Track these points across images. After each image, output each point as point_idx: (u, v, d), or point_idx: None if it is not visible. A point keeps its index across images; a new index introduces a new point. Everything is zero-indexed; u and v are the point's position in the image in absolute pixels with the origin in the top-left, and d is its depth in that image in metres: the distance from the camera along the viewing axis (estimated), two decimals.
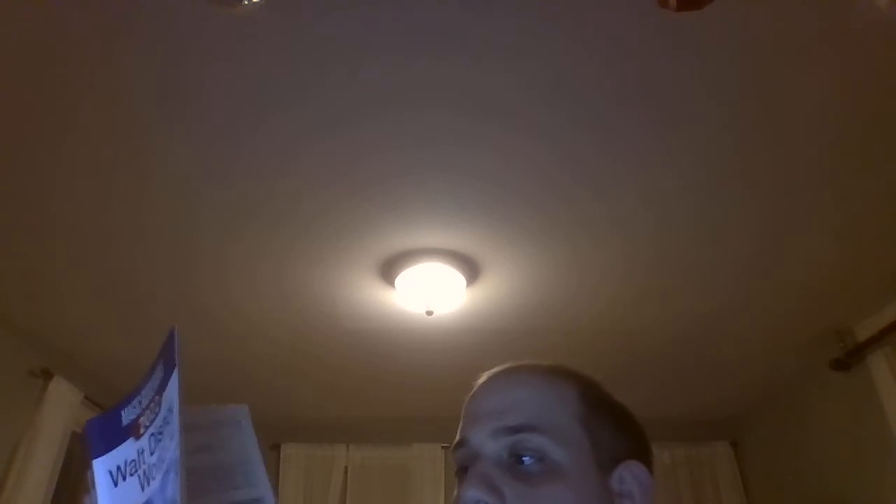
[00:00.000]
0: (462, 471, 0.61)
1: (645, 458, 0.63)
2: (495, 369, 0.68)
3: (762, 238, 2.37)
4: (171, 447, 0.46)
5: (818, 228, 2.31)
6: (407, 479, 3.94)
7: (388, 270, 2.58)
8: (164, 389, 0.50)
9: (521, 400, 0.61)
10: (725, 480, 3.90)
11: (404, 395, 3.72)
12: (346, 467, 3.99)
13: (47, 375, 2.87)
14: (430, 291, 2.57)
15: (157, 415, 0.50)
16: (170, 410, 0.48)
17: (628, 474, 0.59)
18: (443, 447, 3.94)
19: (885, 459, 2.73)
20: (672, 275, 2.61)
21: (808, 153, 1.97)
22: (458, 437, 0.63)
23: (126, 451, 0.51)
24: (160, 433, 0.49)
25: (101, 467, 0.51)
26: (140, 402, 0.52)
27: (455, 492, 0.59)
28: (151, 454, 0.49)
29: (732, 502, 3.83)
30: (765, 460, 3.78)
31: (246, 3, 1.46)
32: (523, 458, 0.57)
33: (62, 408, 2.91)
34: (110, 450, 0.52)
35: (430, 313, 2.63)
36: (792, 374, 3.39)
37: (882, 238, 2.35)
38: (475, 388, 0.67)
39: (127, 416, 0.53)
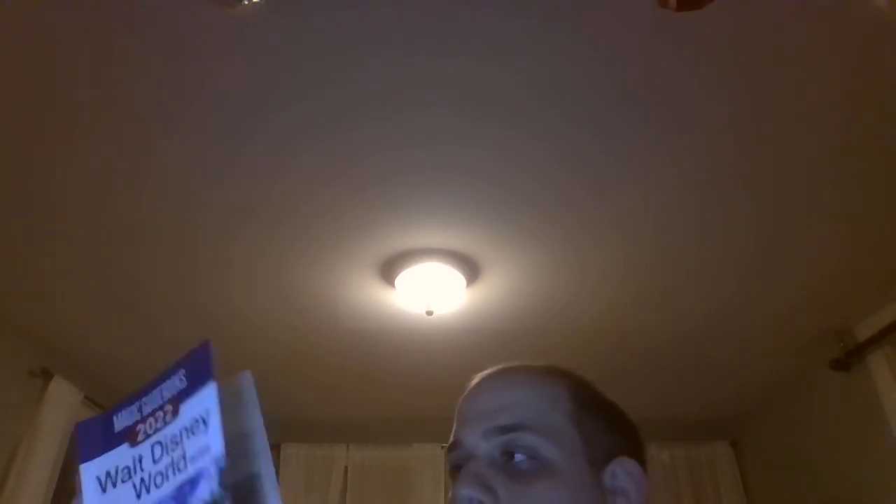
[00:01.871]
0: (456, 471, 0.61)
1: (638, 456, 0.63)
2: (487, 371, 0.68)
3: (762, 238, 2.37)
4: (207, 459, 0.45)
5: (818, 228, 2.31)
6: (407, 479, 3.94)
7: (388, 270, 2.58)
8: (183, 400, 0.49)
9: (513, 400, 0.62)
10: (725, 480, 3.90)
11: (404, 395, 3.72)
12: (346, 467, 3.99)
13: (47, 375, 2.87)
14: (430, 291, 2.57)
15: (168, 425, 0.49)
16: (200, 422, 0.47)
17: (621, 471, 0.60)
18: (443, 447, 3.92)
19: (885, 459, 2.73)
20: (672, 275, 2.61)
21: (808, 153, 1.97)
22: (451, 439, 0.64)
23: (117, 457, 0.50)
24: (175, 444, 0.48)
25: (88, 472, 0.50)
26: (140, 409, 0.51)
27: (450, 492, 0.60)
28: (156, 462, 0.48)
29: (732, 502, 3.82)
30: (765, 460, 3.78)
31: (246, 3, 1.46)
32: (516, 457, 0.58)
33: (62, 408, 2.90)
34: (99, 455, 0.51)
35: (430, 313, 2.63)
36: (792, 374, 3.39)
37: (882, 238, 2.35)
38: (468, 390, 0.68)
39: (120, 422, 0.52)
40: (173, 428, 0.49)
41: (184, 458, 0.47)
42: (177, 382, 0.50)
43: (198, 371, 0.49)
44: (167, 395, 0.50)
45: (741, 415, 3.97)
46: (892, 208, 2.19)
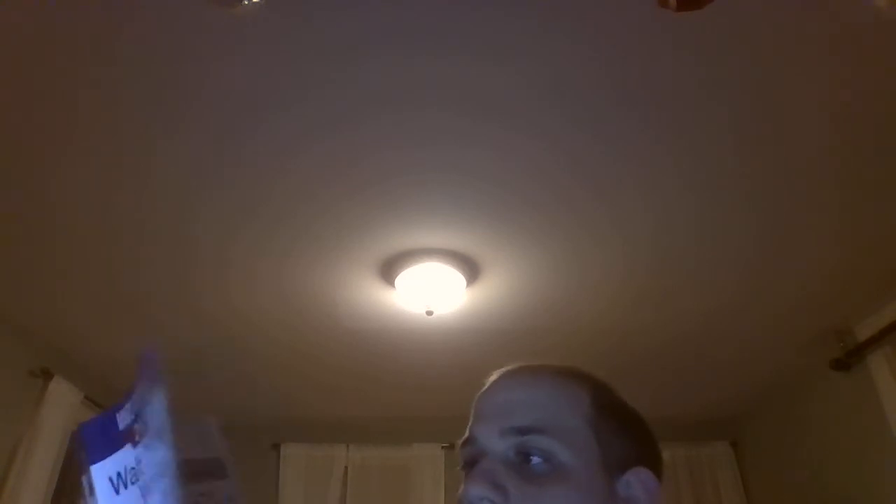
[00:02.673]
0: (468, 467, 0.61)
1: (654, 464, 0.62)
2: (507, 368, 0.67)
3: (762, 238, 2.37)
4: (160, 472, 0.45)
5: (818, 228, 2.31)
6: (407, 479, 3.94)
7: (388, 270, 2.58)
8: (147, 406, 0.48)
9: (531, 400, 0.61)
10: (725, 480, 3.90)
11: (404, 395, 3.72)
12: (346, 467, 3.98)
13: (47, 375, 2.87)
14: (430, 291, 2.57)
15: (147, 427, 0.48)
16: (156, 432, 0.47)
17: (635, 480, 0.59)
18: (443, 447, 3.94)
19: (885, 459, 2.73)
20: (672, 275, 2.61)
21: (808, 153, 1.97)
22: (466, 434, 0.63)
23: (124, 457, 0.49)
24: (151, 449, 0.47)
25: (100, 474, 0.49)
26: (132, 408, 0.50)
27: (460, 488, 0.59)
28: (149, 467, 0.47)
29: (732, 502, 3.82)
30: (765, 460, 3.78)
31: (246, 3, 1.46)
32: (531, 459, 0.57)
33: (62, 408, 2.91)
34: (108, 455, 0.50)
35: (430, 313, 2.63)
36: (792, 374, 3.39)
37: (882, 238, 2.35)
38: (486, 386, 0.67)
39: (123, 421, 0.50)
40: (152, 432, 0.48)
41: (154, 466, 0.47)
42: (144, 390, 0.50)
43: (148, 382, 0.49)
44: (142, 399, 0.50)
45: (741, 415, 3.97)
46: (892, 208, 2.19)
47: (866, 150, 1.95)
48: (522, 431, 0.58)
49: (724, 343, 3.14)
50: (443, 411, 3.46)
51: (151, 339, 2.98)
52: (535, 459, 0.57)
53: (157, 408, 0.47)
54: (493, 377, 0.67)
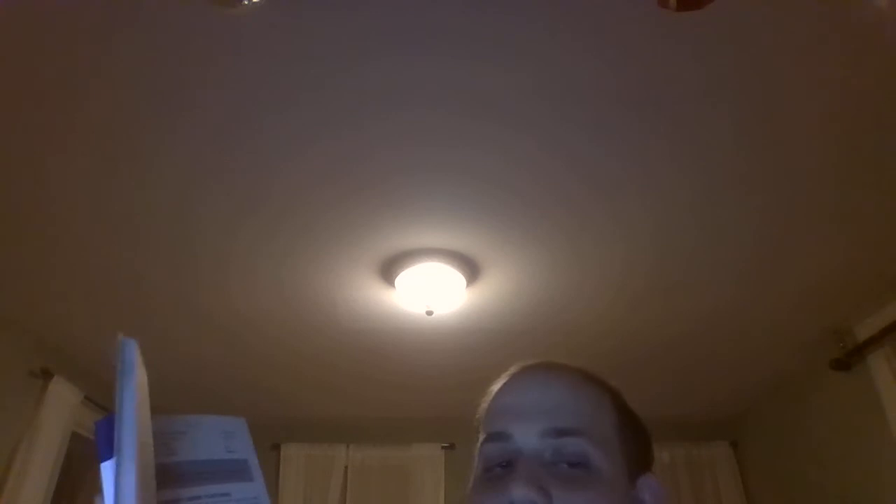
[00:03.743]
0: (504, 465, 0.59)
1: (651, 468, 0.64)
2: (532, 363, 0.67)
3: (762, 238, 2.37)
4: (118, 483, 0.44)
5: (818, 228, 2.31)
6: (407, 479, 3.95)
7: (388, 270, 2.58)
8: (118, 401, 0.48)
9: (567, 401, 0.61)
10: (725, 480, 3.90)
11: (404, 395, 3.72)
12: (346, 467, 3.99)
13: (47, 375, 2.87)
14: (430, 291, 2.57)
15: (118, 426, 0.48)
16: (119, 432, 0.47)
17: (646, 486, 0.60)
18: (443, 447, 3.94)
19: (885, 459, 2.73)
20: (672, 275, 2.61)
21: (809, 153, 1.97)
22: (497, 429, 0.62)
23: None
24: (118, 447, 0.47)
25: (107, 472, 0.49)
26: None
27: (469, 484, 0.60)
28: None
29: (732, 502, 3.83)
30: (765, 460, 3.78)
31: (246, 3, 1.45)
32: (568, 462, 0.57)
33: (62, 408, 2.91)
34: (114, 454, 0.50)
35: (430, 313, 2.63)
36: (792, 374, 3.39)
37: (882, 238, 2.35)
38: (513, 380, 0.66)
39: None
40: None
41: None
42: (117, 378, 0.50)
43: (118, 370, 0.49)
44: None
45: (741, 415, 3.97)
46: (892, 208, 2.19)
47: (866, 150, 1.95)
48: (562, 433, 0.58)
49: (724, 343, 3.14)
50: (443, 411, 3.47)
51: (151, 339, 2.98)
52: (572, 462, 0.57)
53: (124, 403, 0.46)
54: (516, 370, 0.67)
